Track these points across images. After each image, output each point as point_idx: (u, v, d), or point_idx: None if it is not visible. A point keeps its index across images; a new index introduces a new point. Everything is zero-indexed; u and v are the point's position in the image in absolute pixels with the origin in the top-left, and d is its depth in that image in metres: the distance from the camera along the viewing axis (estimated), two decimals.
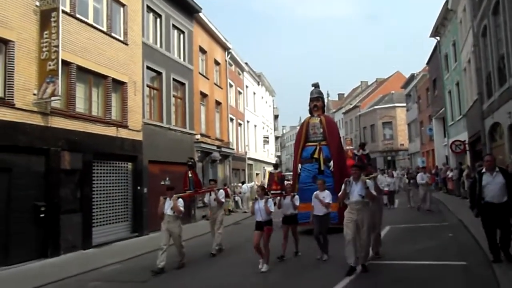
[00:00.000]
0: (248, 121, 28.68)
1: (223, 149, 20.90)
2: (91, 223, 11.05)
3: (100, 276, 7.85)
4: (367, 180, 6.46)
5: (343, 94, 65.06)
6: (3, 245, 8.69)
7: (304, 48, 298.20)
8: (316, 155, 11.27)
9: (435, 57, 26.22)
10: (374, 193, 6.48)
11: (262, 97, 34.93)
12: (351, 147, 21.05)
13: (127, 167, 13.05)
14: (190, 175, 10.25)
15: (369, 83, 56.73)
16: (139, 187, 13.18)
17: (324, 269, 7.17)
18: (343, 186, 6.60)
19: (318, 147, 11.35)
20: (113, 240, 11.74)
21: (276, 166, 13.32)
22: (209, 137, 19.60)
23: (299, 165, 11.63)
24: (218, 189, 9.73)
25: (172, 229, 7.91)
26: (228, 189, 15.84)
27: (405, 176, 19.22)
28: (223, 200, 9.62)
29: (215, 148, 19.56)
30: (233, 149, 23.47)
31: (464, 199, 14.47)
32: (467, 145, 18.62)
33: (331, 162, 11.13)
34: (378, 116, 43.34)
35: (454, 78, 21.36)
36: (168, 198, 8.00)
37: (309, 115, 12.32)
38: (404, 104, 39.41)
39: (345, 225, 6.52)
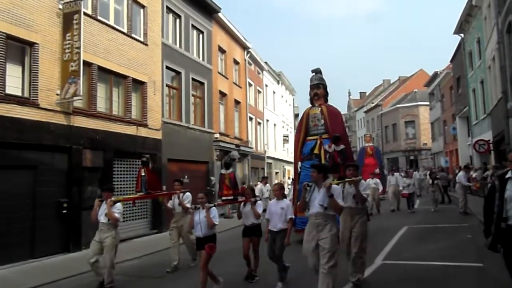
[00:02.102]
0: (267, 120, 28.73)
1: (241, 148, 21.04)
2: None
3: (119, 271, 8.04)
4: (334, 186, 4.90)
5: (365, 92, 64.24)
6: (30, 240, 9.08)
7: (326, 46, 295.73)
8: (316, 151, 9.76)
9: (459, 55, 25.58)
10: (341, 203, 4.88)
11: (282, 96, 34.89)
12: (370, 144, 20.62)
13: None
14: (143, 174, 8.28)
15: (391, 82, 55.84)
16: None
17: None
18: (302, 193, 5.07)
19: (318, 141, 9.83)
20: (133, 237, 12.03)
21: (228, 165, 9.94)
22: (228, 136, 19.77)
23: (299, 162, 10.19)
24: (184, 192, 7.99)
25: (105, 241, 6.45)
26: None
27: (428, 176, 18.73)
28: (188, 205, 7.65)
29: (233, 147, 19.72)
30: (252, 147, 23.58)
31: None
32: (491, 145, 18.12)
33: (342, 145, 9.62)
34: (400, 115, 42.65)
35: (479, 76, 20.79)
36: (104, 202, 6.59)
37: (310, 106, 10.78)
38: (427, 103, 38.62)
39: (303, 247, 5.10)
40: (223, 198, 9.16)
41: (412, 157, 42.12)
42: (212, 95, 18.13)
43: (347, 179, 5.76)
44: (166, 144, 13.94)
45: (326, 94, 10.69)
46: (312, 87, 10.59)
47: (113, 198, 6.61)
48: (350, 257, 5.83)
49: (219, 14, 18.82)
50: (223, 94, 19.73)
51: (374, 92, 59.67)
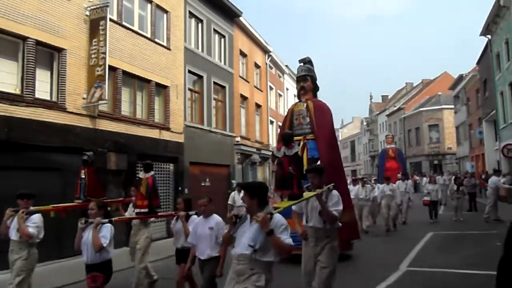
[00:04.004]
0: None
1: (262, 151, 21.05)
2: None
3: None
4: (277, 215, 3.31)
5: (387, 96, 63.31)
6: (57, 240, 9.29)
7: (347, 48, 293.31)
8: (299, 153, 8.11)
9: (485, 57, 24.92)
10: (287, 242, 3.17)
11: None
12: (392, 146, 18.15)
13: (169, 168, 13.49)
14: (83, 176, 6.39)
15: (414, 85, 54.85)
16: (180, 188, 13.58)
17: None
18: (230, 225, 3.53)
19: (302, 143, 8.31)
20: (154, 239, 12.12)
21: (147, 167, 6.80)
22: (249, 139, 19.81)
23: None
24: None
25: (15, 263, 5.04)
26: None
27: (453, 182, 16.58)
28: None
29: (254, 150, 19.75)
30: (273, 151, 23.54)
31: None
32: None
33: (318, 162, 8.10)
34: (423, 119, 41.83)
35: (507, 78, 20.19)
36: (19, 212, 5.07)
37: (297, 101, 9.46)
38: (452, 106, 37.72)
39: None
40: (136, 211, 6.53)
41: (436, 162, 41.20)
42: (234, 99, 18.22)
43: (313, 193, 4.33)
44: (188, 147, 14.07)
45: (315, 87, 9.18)
46: (298, 79, 9.25)
47: (32, 208, 5.25)
48: None
49: (241, 18, 18.94)
50: (244, 98, 19.81)
51: (397, 95, 58.74)
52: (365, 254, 8.48)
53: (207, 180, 14.80)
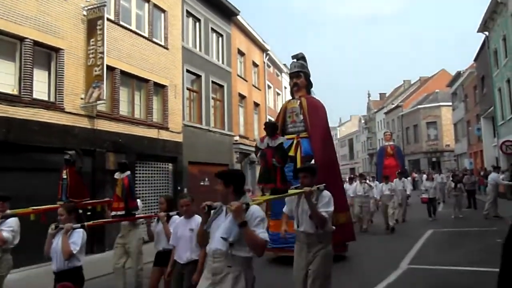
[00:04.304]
0: None
1: None
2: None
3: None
4: (254, 206, 3.00)
5: (385, 93, 63.34)
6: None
7: (344, 47, 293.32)
8: (292, 153, 7.88)
9: (483, 53, 24.94)
10: (262, 236, 2.82)
11: None
12: (390, 143, 17.77)
13: (167, 167, 13.46)
14: (64, 176, 5.95)
15: (412, 82, 54.91)
16: (179, 187, 13.55)
17: None
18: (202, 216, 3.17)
19: (295, 141, 8.07)
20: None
21: (122, 166, 6.38)
22: (247, 138, 19.79)
23: None
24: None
25: None
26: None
27: (450, 179, 16.69)
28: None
29: (253, 149, 19.70)
30: None
31: None
32: None
33: (312, 161, 7.84)
34: (421, 116, 41.89)
35: (505, 74, 20.21)
36: None
37: (290, 98, 9.18)
38: (450, 103, 37.77)
39: None
40: (112, 213, 5.99)
41: (434, 159, 41.29)
42: (232, 98, 18.19)
43: (298, 190, 4.09)
44: (186, 147, 14.04)
45: (309, 84, 8.92)
46: (291, 75, 8.98)
47: (8, 212, 4.97)
48: None
49: (238, 17, 18.90)
50: (242, 97, 19.78)
51: (394, 93, 58.76)
52: (365, 253, 8.48)
53: (206, 179, 14.78)
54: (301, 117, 8.37)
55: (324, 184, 4.15)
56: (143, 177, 12.27)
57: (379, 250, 8.94)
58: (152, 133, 12.47)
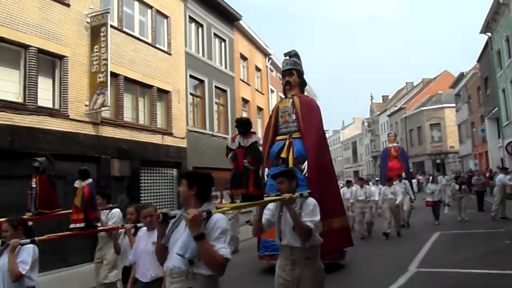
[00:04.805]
0: None
1: None
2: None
3: None
4: (217, 215, 2.57)
5: (388, 96, 63.29)
6: (62, 248, 9.22)
7: (347, 50, 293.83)
8: (283, 154, 7.55)
9: (486, 54, 24.89)
10: (222, 252, 2.40)
11: None
12: (394, 145, 17.13)
13: (172, 173, 13.45)
14: (34, 185, 5.17)
15: (414, 84, 54.84)
16: None
17: None
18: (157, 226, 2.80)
19: (287, 142, 7.66)
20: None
21: (84, 173, 5.16)
22: None
23: (266, 169, 7.75)
24: (110, 208, 5.76)
25: None
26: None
27: (455, 181, 15.68)
28: (115, 225, 5.33)
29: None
30: None
31: None
32: None
33: (305, 163, 7.36)
34: (425, 118, 41.78)
35: (508, 75, 20.14)
36: None
37: (282, 97, 8.73)
38: (453, 105, 37.66)
39: None
40: (71, 225, 5.22)
41: (438, 161, 41.11)
42: (235, 103, 18.20)
43: (275, 197, 3.61)
44: (191, 152, 14.03)
45: (302, 82, 8.49)
46: (284, 73, 8.42)
47: None
48: None
49: (240, 22, 18.93)
50: (245, 101, 19.78)
51: (397, 95, 58.70)
52: (372, 257, 8.41)
53: None
54: (294, 116, 7.89)
55: (308, 191, 3.69)
56: (147, 183, 12.26)
57: (386, 253, 8.86)
58: (156, 139, 12.47)
